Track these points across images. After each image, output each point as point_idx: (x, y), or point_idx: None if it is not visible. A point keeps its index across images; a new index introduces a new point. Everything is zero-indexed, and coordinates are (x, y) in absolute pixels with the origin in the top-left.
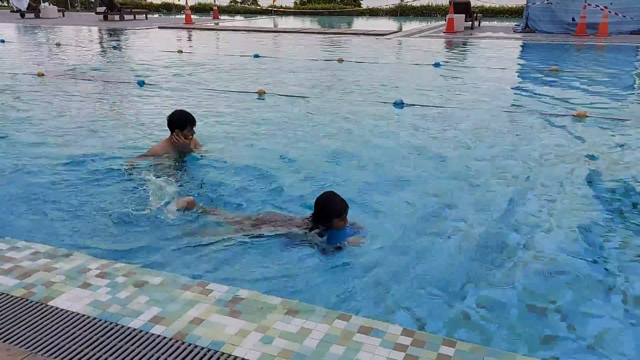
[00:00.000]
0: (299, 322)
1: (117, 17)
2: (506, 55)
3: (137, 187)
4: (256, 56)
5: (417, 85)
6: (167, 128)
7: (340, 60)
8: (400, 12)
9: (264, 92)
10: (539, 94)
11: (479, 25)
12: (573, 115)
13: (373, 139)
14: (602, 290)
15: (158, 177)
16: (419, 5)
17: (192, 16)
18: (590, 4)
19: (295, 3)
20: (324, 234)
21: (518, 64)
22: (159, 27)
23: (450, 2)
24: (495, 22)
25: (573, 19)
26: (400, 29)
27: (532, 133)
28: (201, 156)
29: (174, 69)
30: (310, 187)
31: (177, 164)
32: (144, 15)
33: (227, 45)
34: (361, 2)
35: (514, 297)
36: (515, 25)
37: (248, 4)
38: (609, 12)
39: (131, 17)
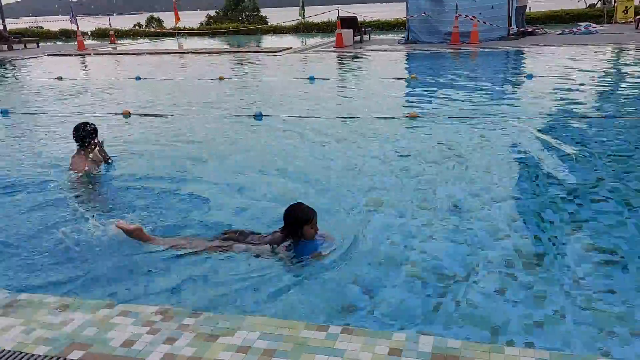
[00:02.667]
0: (66, 315)
1: (5, 47)
2: (381, 67)
3: None
4: (138, 79)
5: (285, 98)
6: (74, 143)
7: (222, 79)
8: (303, 29)
9: (129, 113)
10: (391, 99)
11: (369, 39)
12: (406, 116)
13: (230, 147)
14: (398, 264)
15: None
16: (320, 21)
17: (91, 42)
18: (461, 15)
19: (201, 24)
20: (291, 248)
21: (387, 74)
22: (48, 55)
23: (337, 18)
24: (392, 35)
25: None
26: (295, 46)
27: (373, 134)
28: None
29: (47, 96)
30: (158, 197)
31: (94, 179)
32: (35, 43)
33: (113, 70)
34: (267, 20)
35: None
36: (401, 37)
37: (153, 28)
38: (479, 21)
39: (21, 46)
